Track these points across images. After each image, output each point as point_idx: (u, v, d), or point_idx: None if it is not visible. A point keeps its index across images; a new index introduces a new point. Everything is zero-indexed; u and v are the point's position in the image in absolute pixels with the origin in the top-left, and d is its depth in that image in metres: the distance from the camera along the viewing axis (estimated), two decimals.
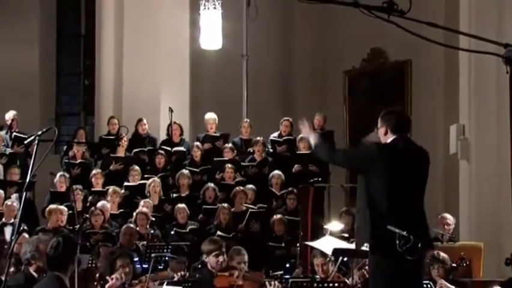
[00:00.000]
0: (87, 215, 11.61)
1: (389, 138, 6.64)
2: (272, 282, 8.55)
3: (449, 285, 8.63)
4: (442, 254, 8.84)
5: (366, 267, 8.19)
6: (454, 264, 9.03)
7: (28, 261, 7.15)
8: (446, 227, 11.04)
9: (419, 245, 6.20)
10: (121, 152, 13.93)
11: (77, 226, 11.11)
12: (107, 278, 8.09)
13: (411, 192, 6.51)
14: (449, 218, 11.16)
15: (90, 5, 17.19)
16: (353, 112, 16.62)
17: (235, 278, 8.46)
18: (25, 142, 12.46)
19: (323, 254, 8.56)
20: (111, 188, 12.84)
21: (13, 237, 8.24)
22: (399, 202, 6.43)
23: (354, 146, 14.53)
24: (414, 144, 6.72)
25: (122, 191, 13.08)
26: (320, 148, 6.89)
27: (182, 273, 8.94)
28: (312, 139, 6.92)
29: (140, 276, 8.89)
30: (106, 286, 8.05)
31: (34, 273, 7.10)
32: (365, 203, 6.51)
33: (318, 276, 8.96)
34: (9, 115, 14.07)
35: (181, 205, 12.51)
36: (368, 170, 6.55)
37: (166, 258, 10.08)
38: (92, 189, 13.18)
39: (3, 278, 6.49)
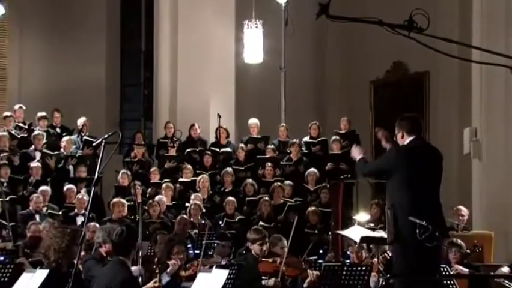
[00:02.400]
0: (146, 207, 11.68)
1: (406, 140, 6.67)
2: (313, 272, 8.51)
3: (463, 268, 8.56)
4: (459, 241, 8.79)
5: (388, 252, 8.16)
6: (468, 250, 8.95)
7: (100, 244, 7.28)
8: (460, 217, 10.97)
9: (437, 233, 6.18)
10: (173, 152, 14.01)
11: (138, 216, 11.21)
12: (168, 262, 8.13)
13: (428, 186, 6.50)
14: (463, 209, 11.10)
15: (149, 25, 17.29)
16: (378, 117, 16.52)
17: (278, 264, 8.43)
18: (93, 144, 12.62)
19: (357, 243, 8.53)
20: (165, 184, 12.92)
21: (83, 226, 8.28)
22: (418, 196, 6.43)
23: (379, 148, 14.58)
24: (428, 144, 6.72)
25: (177, 185, 13.15)
26: (358, 167, 7.17)
27: (229, 258, 8.96)
28: (357, 159, 7.08)
29: (193, 261, 8.91)
30: (168, 270, 8.09)
31: (104, 254, 7.22)
32: (390, 203, 6.55)
33: (348, 261, 8.92)
34: (80, 121, 14.22)
35: (231, 198, 12.54)
36: (391, 171, 6.59)
37: (215, 244, 10.11)
38: (151, 181, 13.26)
39: (75, 262, 6.55)
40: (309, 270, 8.39)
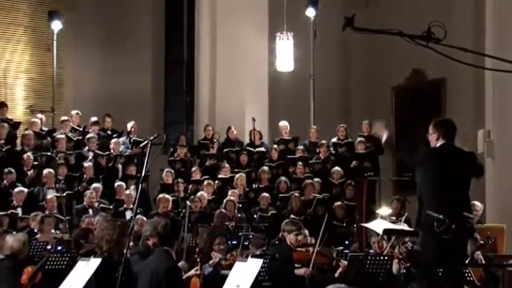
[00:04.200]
0: (189, 203, 11.68)
1: (439, 143, 6.57)
2: (342, 261, 8.50)
3: (481, 257, 8.52)
4: (475, 234, 8.69)
5: (408, 243, 8.11)
6: (482, 242, 8.87)
7: (147, 237, 7.29)
8: (474, 212, 10.78)
9: (453, 227, 6.13)
10: (213, 152, 14.05)
11: (181, 210, 11.26)
12: (212, 254, 8.12)
13: (451, 186, 6.42)
14: (478, 204, 10.95)
15: (191, 38, 17.35)
16: (399, 121, 16.41)
17: (310, 253, 8.43)
18: (141, 145, 12.64)
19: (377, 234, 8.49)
20: (205, 181, 12.96)
21: (132, 220, 8.36)
22: (439, 193, 6.38)
23: (399, 149, 14.50)
24: (458, 149, 6.62)
25: (216, 182, 13.18)
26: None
27: (263, 248, 8.95)
28: (385, 136, 6.90)
29: (231, 251, 8.91)
30: (210, 262, 8.09)
31: (151, 246, 7.23)
32: (417, 196, 6.53)
33: (372, 251, 8.87)
34: (129, 124, 14.32)
35: (265, 194, 12.54)
36: (420, 168, 6.54)
37: (250, 236, 10.11)
38: (193, 179, 13.30)
39: (124, 251, 6.59)
40: (341, 261, 8.40)
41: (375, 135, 7.49)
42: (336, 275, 8.37)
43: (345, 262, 8.49)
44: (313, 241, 8.87)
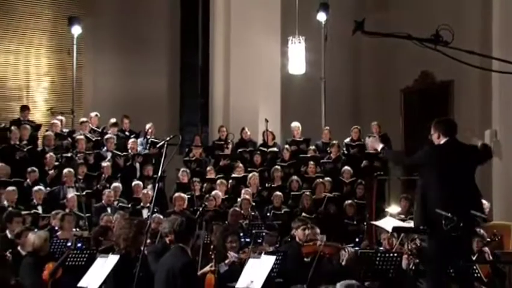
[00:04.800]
0: (205, 203, 11.66)
1: (442, 141, 6.57)
2: (347, 249, 8.55)
3: (489, 253, 8.48)
4: (481, 231, 8.66)
5: (417, 240, 8.09)
6: (489, 239, 8.83)
7: (166, 234, 7.27)
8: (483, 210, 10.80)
9: (461, 224, 6.10)
10: (227, 152, 14.07)
11: (196, 208, 11.25)
12: (228, 254, 8.13)
13: (457, 183, 6.40)
14: (485, 202, 10.77)
15: (205, 42, 17.39)
16: (407, 121, 16.39)
17: (317, 245, 8.46)
18: (157, 146, 12.71)
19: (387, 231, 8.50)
20: (219, 180, 12.96)
21: (149, 218, 8.36)
22: (446, 191, 6.35)
23: (408, 149, 14.55)
24: (462, 144, 6.62)
25: (230, 181, 13.18)
26: (387, 154, 7.21)
27: (276, 245, 8.97)
28: (379, 148, 7.01)
29: (244, 248, 8.92)
30: (226, 261, 8.10)
31: (169, 243, 7.23)
32: (419, 194, 6.49)
33: (381, 248, 8.86)
34: (147, 126, 14.36)
35: (278, 192, 12.53)
36: (424, 167, 6.52)
37: (263, 233, 10.11)
38: (207, 178, 13.31)
39: (141, 248, 6.61)
40: (347, 249, 8.45)
41: (370, 149, 7.59)
42: (343, 263, 8.40)
43: (352, 249, 8.55)
44: (324, 239, 8.89)
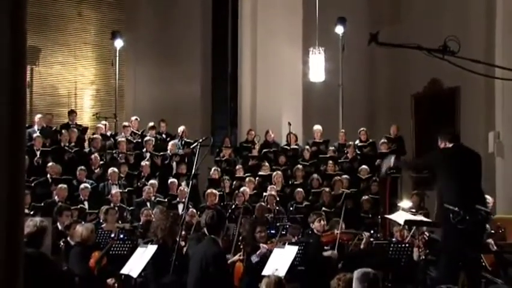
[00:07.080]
0: (236, 202, 11.64)
1: (449, 146, 6.61)
2: (364, 233, 8.57)
3: (493, 244, 8.42)
4: (486, 225, 8.58)
5: (425, 233, 8.04)
6: (493, 231, 8.75)
7: (203, 226, 7.33)
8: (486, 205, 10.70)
9: (467, 218, 6.08)
10: (255, 153, 14.08)
11: (226, 203, 11.28)
12: (260, 245, 8.14)
13: (464, 182, 6.38)
14: (489, 198, 10.70)
15: (234, 52, 17.44)
16: (418, 124, 16.26)
17: (335, 234, 8.48)
18: (191, 146, 12.72)
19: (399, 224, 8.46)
20: (248, 178, 12.98)
21: (184, 212, 8.42)
22: (455, 188, 6.34)
23: (419, 150, 14.50)
24: (467, 148, 6.65)
25: (257, 178, 13.19)
26: (403, 166, 7.19)
27: (299, 237, 8.97)
28: (392, 165, 7.13)
29: (270, 239, 8.92)
30: (257, 252, 8.11)
31: (206, 233, 7.26)
32: (438, 195, 6.55)
33: (394, 239, 8.82)
34: (181, 128, 14.41)
35: (300, 189, 12.52)
36: (437, 168, 6.56)
37: (287, 226, 10.11)
38: (236, 176, 13.33)
39: (177, 239, 6.65)
40: (364, 233, 8.48)
41: (385, 169, 7.61)
42: (362, 246, 8.41)
43: (367, 233, 8.57)
44: (343, 226, 8.90)
